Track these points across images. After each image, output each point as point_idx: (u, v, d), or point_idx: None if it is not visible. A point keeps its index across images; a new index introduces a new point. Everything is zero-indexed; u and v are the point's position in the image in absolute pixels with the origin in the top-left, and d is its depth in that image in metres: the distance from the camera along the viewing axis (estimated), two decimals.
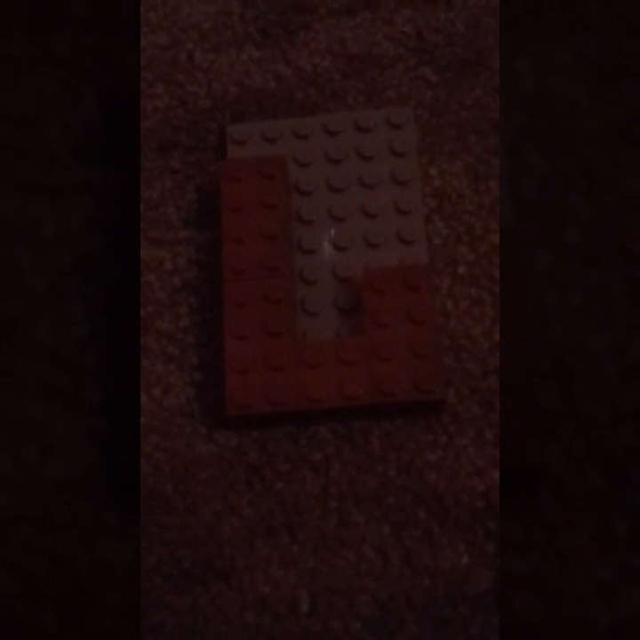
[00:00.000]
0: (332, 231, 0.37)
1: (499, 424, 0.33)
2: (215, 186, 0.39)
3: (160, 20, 0.43)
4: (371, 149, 0.39)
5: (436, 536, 0.33)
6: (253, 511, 0.33)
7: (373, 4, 0.43)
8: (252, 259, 0.36)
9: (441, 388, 0.34)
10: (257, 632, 0.32)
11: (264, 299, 0.35)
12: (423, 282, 0.35)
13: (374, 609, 0.32)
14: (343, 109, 0.40)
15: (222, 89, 0.41)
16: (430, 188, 0.38)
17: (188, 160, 0.40)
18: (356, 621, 0.32)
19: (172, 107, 0.41)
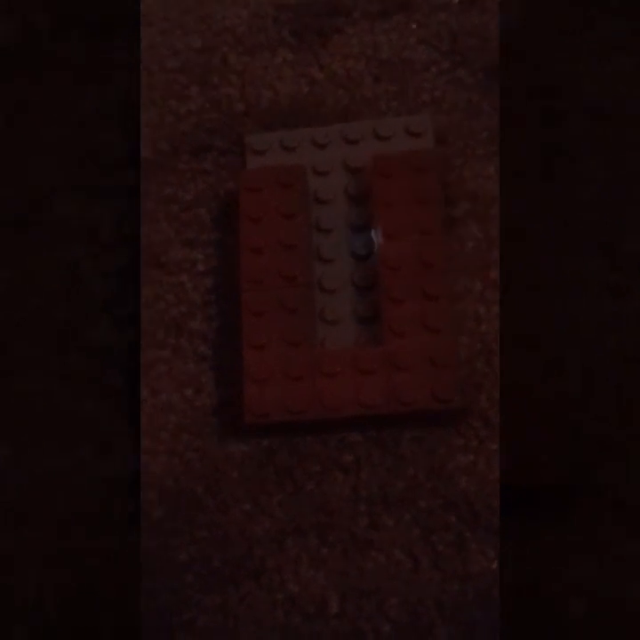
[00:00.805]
0: (352, 240, 0.37)
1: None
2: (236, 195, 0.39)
3: (195, 23, 0.43)
4: None
5: (467, 540, 0.32)
6: (283, 512, 0.33)
7: (407, 7, 0.43)
8: (270, 268, 0.36)
9: (459, 398, 0.34)
10: (286, 632, 0.32)
11: (282, 308, 0.35)
12: (441, 290, 0.35)
13: (403, 612, 0.32)
14: (376, 113, 0.40)
15: (256, 92, 0.42)
16: (464, 190, 0.38)
17: (222, 163, 0.40)
18: (385, 624, 0.32)
19: (205, 109, 0.41)
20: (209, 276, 0.38)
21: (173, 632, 0.32)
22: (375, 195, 0.37)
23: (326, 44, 0.42)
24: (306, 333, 0.35)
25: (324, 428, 0.34)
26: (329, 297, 0.36)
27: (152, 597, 0.32)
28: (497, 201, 0.38)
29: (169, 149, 0.41)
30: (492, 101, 0.40)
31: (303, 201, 0.37)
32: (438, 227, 0.36)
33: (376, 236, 0.37)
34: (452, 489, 0.33)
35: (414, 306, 0.35)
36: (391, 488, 0.34)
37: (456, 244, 0.37)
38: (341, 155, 0.39)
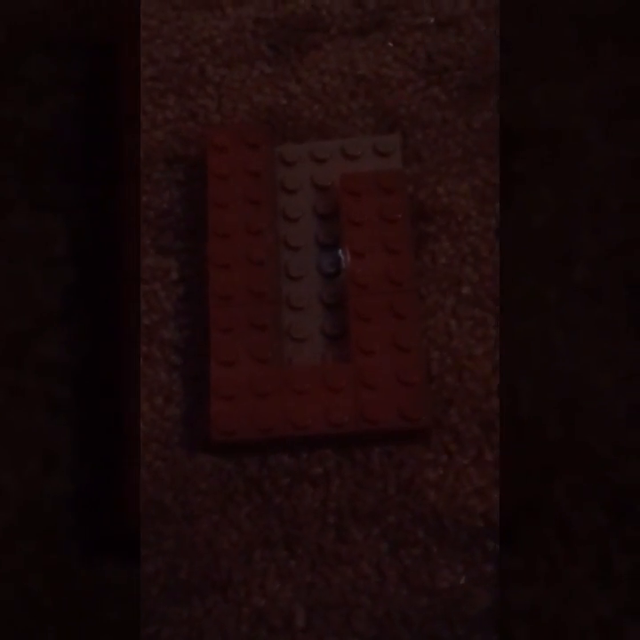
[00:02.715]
0: (320, 258, 0.37)
1: (499, 449, 0.33)
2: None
3: (173, 33, 0.43)
4: None
5: (435, 555, 0.32)
6: (252, 524, 0.33)
7: (384, 26, 0.43)
8: (238, 284, 0.36)
9: (426, 416, 0.34)
10: None
11: (250, 324, 0.35)
12: (409, 309, 0.35)
13: (370, 626, 0.32)
14: (351, 129, 0.41)
15: (232, 104, 0.42)
16: (439, 205, 0.38)
17: (195, 174, 0.40)
18: (351, 638, 0.32)
19: (182, 118, 0.41)
20: (182, 285, 0.38)
21: None
22: (343, 213, 0.37)
23: (303, 59, 0.42)
24: (274, 350, 0.35)
25: (291, 446, 0.34)
26: (296, 314, 0.36)
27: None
28: (469, 218, 0.38)
29: (144, 158, 0.41)
30: (467, 120, 0.40)
31: (272, 217, 0.37)
32: (406, 245, 0.37)
33: (344, 254, 0.37)
34: (420, 503, 0.33)
35: (382, 324, 0.35)
36: (360, 502, 0.33)
37: (429, 260, 0.38)
38: (309, 173, 0.39)
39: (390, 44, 0.43)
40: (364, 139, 0.40)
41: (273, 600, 0.32)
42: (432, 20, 0.43)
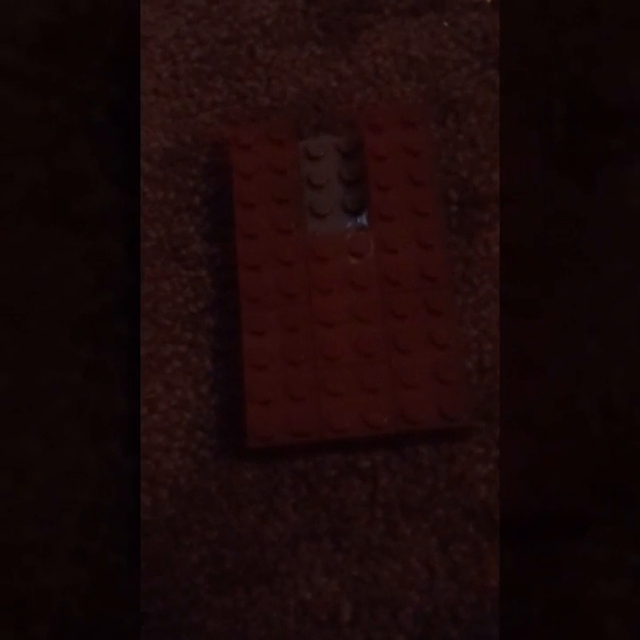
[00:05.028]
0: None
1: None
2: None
3: (222, 13, 0.43)
4: None
5: (485, 552, 0.32)
6: (298, 516, 0.33)
7: (439, 6, 0.42)
8: (268, 286, 0.35)
9: (467, 415, 0.33)
10: (297, 638, 0.31)
11: (282, 327, 0.35)
12: (445, 305, 0.34)
13: (418, 622, 0.31)
14: None
15: (282, 86, 0.41)
16: (493, 192, 0.37)
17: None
18: (398, 634, 0.31)
19: (230, 101, 0.41)
20: (228, 272, 0.37)
21: (180, 634, 0.31)
22: (372, 208, 0.37)
23: (355, 40, 0.41)
24: (307, 353, 0.34)
25: (331, 450, 0.34)
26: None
27: (161, 597, 0.32)
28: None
29: (191, 141, 0.40)
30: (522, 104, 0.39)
31: (300, 215, 0.37)
32: (439, 240, 0.36)
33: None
34: (471, 499, 0.33)
35: (418, 321, 0.34)
36: (409, 496, 0.33)
37: (482, 249, 0.37)
38: (336, 167, 0.38)
39: (445, 25, 0.41)
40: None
41: (319, 593, 0.32)
42: (488, 0, 0.42)
